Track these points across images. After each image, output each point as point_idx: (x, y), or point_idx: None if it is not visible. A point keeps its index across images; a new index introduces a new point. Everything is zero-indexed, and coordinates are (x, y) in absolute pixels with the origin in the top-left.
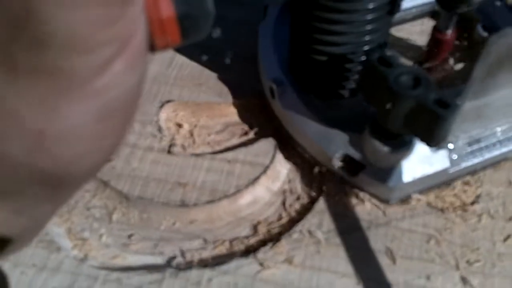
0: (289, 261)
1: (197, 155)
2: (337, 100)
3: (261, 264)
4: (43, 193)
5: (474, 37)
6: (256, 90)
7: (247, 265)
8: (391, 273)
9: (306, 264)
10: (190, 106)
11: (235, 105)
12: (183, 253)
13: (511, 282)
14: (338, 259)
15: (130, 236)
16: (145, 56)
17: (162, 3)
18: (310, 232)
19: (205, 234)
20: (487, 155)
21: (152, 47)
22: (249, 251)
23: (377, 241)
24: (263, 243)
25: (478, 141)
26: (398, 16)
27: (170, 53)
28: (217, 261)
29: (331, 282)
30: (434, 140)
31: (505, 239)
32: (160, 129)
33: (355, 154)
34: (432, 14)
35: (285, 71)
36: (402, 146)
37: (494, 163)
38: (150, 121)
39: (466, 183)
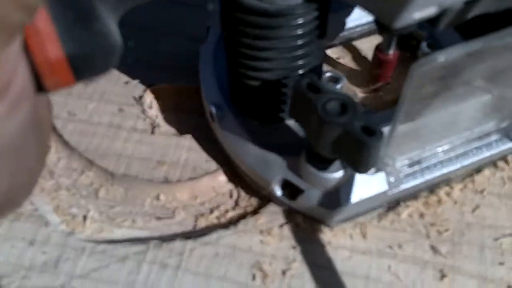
0: (267, 232)
1: (179, 135)
2: (276, 124)
3: (240, 235)
4: None
5: (419, 55)
6: None
7: (228, 236)
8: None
9: (284, 234)
10: (172, 89)
11: None
12: (167, 227)
13: (478, 249)
14: (317, 232)
15: (115, 212)
16: (29, 98)
17: (48, 43)
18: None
19: (188, 209)
20: (428, 176)
21: (44, 88)
22: (229, 224)
23: None
24: (243, 216)
25: (418, 162)
26: (343, 35)
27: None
28: (199, 233)
29: (309, 251)
30: (362, 167)
31: (474, 210)
32: (143, 111)
33: (294, 178)
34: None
35: (225, 94)
36: (337, 170)
37: (436, 184)
38: (134, 104)
39: None
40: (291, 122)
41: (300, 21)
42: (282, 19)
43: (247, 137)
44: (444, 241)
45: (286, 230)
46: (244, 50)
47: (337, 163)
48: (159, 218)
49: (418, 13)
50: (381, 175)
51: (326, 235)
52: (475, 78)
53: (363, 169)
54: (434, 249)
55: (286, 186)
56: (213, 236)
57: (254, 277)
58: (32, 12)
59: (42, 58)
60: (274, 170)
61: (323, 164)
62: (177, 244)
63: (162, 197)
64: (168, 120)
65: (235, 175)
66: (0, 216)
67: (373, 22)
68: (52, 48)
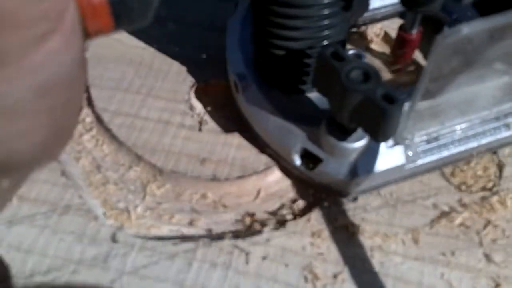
0: (318, 234)
1: (227, 133)
2: (299, 95)
3: (290, 237)
4: None
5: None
6: None
7: (278, 237)
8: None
9: (335, 237)
10: (220, 86)
11: None
12: (215, 225)
13: None
14: (368, 237)
15: (163, 208)
16: (80, 35)
17: None
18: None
19: (236, 207)
20: (445, 153)
21: (85, 33)
22: (279, 225)
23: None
24: (293, 217)
25: (436, 138)
26: (367, 15)
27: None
28: (248, 233)
29: (360, 255)
30: (381, 135)
31: None
32: (191, 108)
33: (313, 148)
34: (401, 14)
35: (250, 66)
36: (357, 141)
37: (454, 161)
38: (182, 100)
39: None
40: (312, 95)
41: None
42: None
43: (269, 107)
44: (498, 250)
45: (337, 233)
46: (272, 18)
47: (356, 134)
48: (206, 216)
49: None
50: (399, 149)
51: (377, 240)
52: (495, 58)
53: (382, 138)
54: (487, 257)
55: (306, 156)
56: (263, 236)
57: (306, 279)
58: None
59: (86, 1)
60: (294, 140)
61: (343, 134)
62: (227, 243)
63: (210, 194)
64: (216, 117)
65: (286, 174)
66: (39, 165)
67: (397, 3)
68: None
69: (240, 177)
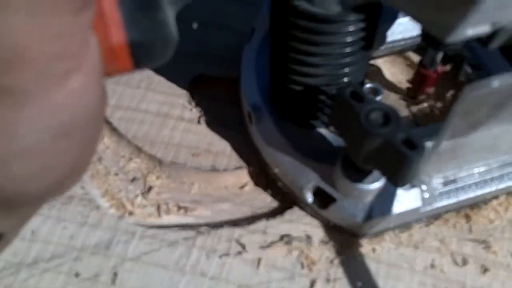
0: (314, 222)
1: (225, 126)
2: (314, 131)
3: (287, 224)
4: (1, 211)
5: (461, 74)
6: None
7: (275, 225)
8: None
9: (330, 225)
10: (218, 81)
11: None
12: (214, 214)
13: None
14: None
15: (163, 198)
16: (101, 75)
17: (112, 27)
18: None
19: (234, 197)
20: (462, 197)
21: (104, 73)
22: (275, 213)
23: None
24: (289, 206)
25: (453, 181)
26: (385, 47)
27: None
28: (246, 222)
29: (355, 241)
30: (400, 180)
31: None
32: (190, 101)
33: (327, 187)
34: (419, 48)
35: (264, 97)
36: (372, 182)
37: (470, 204)
38: (181, 94)
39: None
40: (324, 130)
41: (351, 28)
42: (333, 25)
43: (283, 141)
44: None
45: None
46: (290, 54)
47: (372, 176)
48: (205, 206)
49: (472, 30)
50: (416, 191)
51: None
52: None
53: (401, 183)
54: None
55: (317, 193)
56: (261, 224)
57: (302, 265)
58: None
59: (105, 42)
60: (308, 177)
61: (359, 175)
62: (225, 231)
63: (209, 185)
64: (214, 110)
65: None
66: (58, 194)
67: (417, 37)
68: (116, 33)
69: (238, 168)
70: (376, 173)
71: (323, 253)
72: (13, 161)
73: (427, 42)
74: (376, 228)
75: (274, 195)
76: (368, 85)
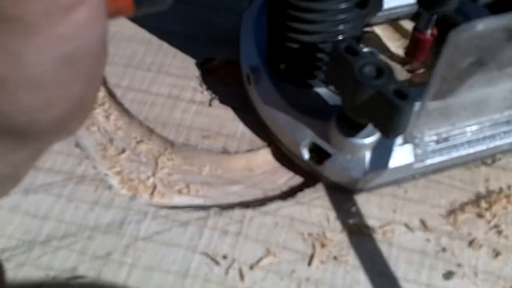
0: (325, 205)
1: (237, 108)
2: (310, 90)
3: (299, 206)
4: (13, 141)
5: None
6: None
7: (287, 207)
8: None
9: (341, 207)
10: (228, 64)
11: None
12: (225, 196)
13: None
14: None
15: (175, 180)
16: (105, 11)
17: None
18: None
19: (245, 180)
20: (454, 154)
21: None
22: (287, 196)
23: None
24: (300, 189)
25: (446, 139)
26: (381, 14)
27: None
28: (257, 203)
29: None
30: (392, 132)
31: None
32: (201, 84)
33: (322, 142)
34: (415, 16)
35: (263, 59)
36: (366, 137)
37: (462, 163)
38: (192, 77)
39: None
40: (322, 90)
41: None
42: None
43: (280, 101)
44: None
45: (343, 203)
46: (287, 11)
47: (366, 130)
48: (217, 188)
49: None
50: (409, 147)
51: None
52: (509, 62)
53: (392, 134)
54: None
55: (314, 151)
56: (272, 206)
57: (314, 246)
58: None
59: None
60: (304, 134)
61: (353, 129)
62: (237, 213)
63: (220, 167)
64: (225, 93)
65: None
66: (57, 138)
67: (413, 4)
68: None
69: (249, 151)
70: (370, 127)
71: (334, 235)
72: (22, 90)
73: (421, 5)
74: (371, 183)
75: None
76: (364, 49)
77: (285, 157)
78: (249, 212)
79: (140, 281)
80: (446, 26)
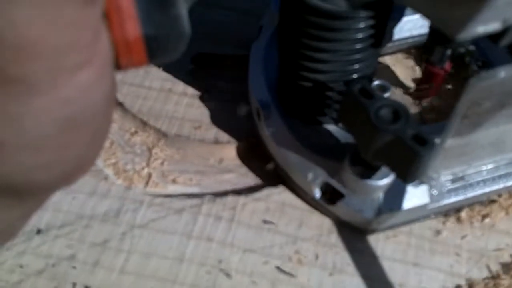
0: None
1: (228, 101)
2: (322, 127)
3: (289, 193)
4: (9, 199)
5: (467, 71)
6: None
7: (278, 193)
8: None
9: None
10: (219, 58)
11: None
12: (218, 184)
13: None
14: None
15: (169, 170)
16: (112, 70)
17: (128, 22)
18: None
19: (237, 169)
20: (470, 194)
21: (116, 66)
22: (278, 183)
23: None
24: None
25: (461, 178)
26: (393, 45)
27: None
28: (249, 190)
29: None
30: (410, 177)
31: None
32: (193, 78)
33: (335, 183)
34: (426, 46)
35: (272, 93)
36: (381, 178)
37: (478, 201)
38: (184, 71)
39: None
40: (332, 127)
41: (361, 25)
42: (344, 21)
43: (290, 138)
44: None
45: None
46: (300, 50)
47: (381, 172)
48: (209, 176)
49: (483, 27)
50: (424, 188)
51: None
52: None
53: (410, 179)
54: None
55: (326, 190)
56: (264, 193)
57: (303, 231)
58: None
59: (120, 35)
60: (316, 173)
61: (367, 171)
62: (230, 199)
63: (212, 156)
64: (216, 86)
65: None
66: (66, 185)
67: (425, 34)
68: (132, 27)
69: (241, 141)
70: (384, 169)
71: (323, 219)
72: (21, 152)
73: (436, 40)
74: (384, 224)
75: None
76: (376, 82)
77: None
78: (241, 199)
79: (137, 267)
80: (460, 60)
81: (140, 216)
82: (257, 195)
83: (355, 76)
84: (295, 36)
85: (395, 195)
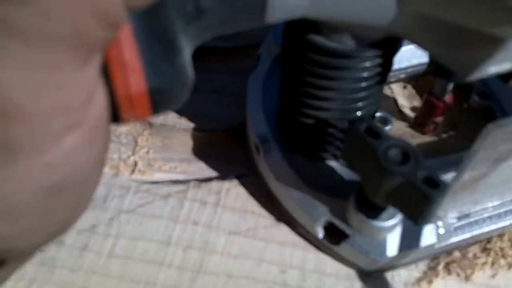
0: None
1: (213, 91)
2: (324, 164)
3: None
4: None
5: (469, 103)
6: None
7: (262, 180)
8: None
9: None
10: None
11: None
12: (203, 171)
13: None
14: None
15: (154, 158)
16: (104, 132)
17: (132, 76)
18: None
19: (222, 156)
20: (476, 231)
21: (116, 118)
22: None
23: None
24: None
25: (467, 216)
26: (392, 74)
27: None
28: (234, 176)
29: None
30: (421, 219)
31: None
32: None
33: (339, 222)
34: (425, 75)
35: (272, 127)
36: (387, 219)
37: (484, 238)
38: None
39: None
40: (334, 163)
41: (368, 64)
42: (350, 60)
43: (291, 174)
44: None
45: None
46: (303, 87)
47: (387, 212)
48: (195, 164)
49: (495, 68)
50: (431, 227)
51: None
52: None
53: (421, 221)
54: None
55: (330, 229)
56: (248, 179)
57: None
58: (114, 29)
59: (123, 90)
60: (318, 212)
61: (374, 211)
62: (215, 185)
63: (198, 145)
64: (202, 77)
65: None
66: (46, 245)
67: (424, 64)
68: (136, 81)
69: (227, 129)
70: (391, 209)
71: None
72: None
73: (439, 74)
74: (389, 264)
75: None
76: (377, 114)
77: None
78: (226, 184)
79: (125, 250)
80: (463, 92)
81: (127, 202)
82: (242, 180)
83: (359, 113)
84: (297, 73)
85: (402, 236)
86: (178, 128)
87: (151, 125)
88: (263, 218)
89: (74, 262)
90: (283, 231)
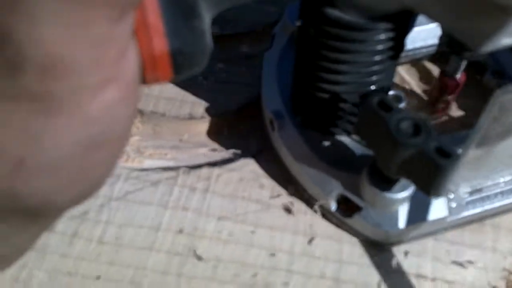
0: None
1: (203, 77)
2: (337, 139)
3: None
4: (25, 221)
5: (484, 82)
6: None
7: (252, 164)
8: None
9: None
10: None
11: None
12: (193, 158)
13: None
14: None
15: (145, 146)
16: (137, 89)
17: (155, 37)
18: None
19: (211, 143)
20: (488, 206)
21: (141, 81)
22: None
23: None
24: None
25: (479, 190)
26: (407, 54)
27: None
28: (224, 161)
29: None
30: (434, 191)
31: None
32: None
33: (351, 195)
34: (439, 55)
35: (286, 104)
36: (399, 191)
37: (495, 214)
38: None
39: None
40: (346, 139)
41: (382, 36)
42: (365, 33)
43: (305, 149)
44: None
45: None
46: (318, 61)
47: (400, 184)
48: (185, 151)
49: (508, 39)
50: (443, 201)
51: None
52: None
53: (434, 193)
54: None
55: (342, 202)
56: (238, 163)
57: (278, 195)
58: None
59: (147, 51)
60: (332, 185)
61: (386, 183)
62: (204, 171)
63: (187, 132)
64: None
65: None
66: (78, 205)
67: (438, 44)
68: (159, 42)
69: (215, 116)
70: (403, 181)
71: (298, 187)
72: (40, 173)
73: (452, 50)
74: (402, 237)
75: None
76: (390, 93)
77: (250, 121)
78: (216, 170)
79: (115, 236)
80: (476, 71)
81: (118, 189)
82: (232, 165)
83: (372, 87)
84: (313, 47)
85: (414, 209)
86: (168, 115)
87: (142, 113)
88: (253, 203)
89: (64, 248)
90: (273, 216)
